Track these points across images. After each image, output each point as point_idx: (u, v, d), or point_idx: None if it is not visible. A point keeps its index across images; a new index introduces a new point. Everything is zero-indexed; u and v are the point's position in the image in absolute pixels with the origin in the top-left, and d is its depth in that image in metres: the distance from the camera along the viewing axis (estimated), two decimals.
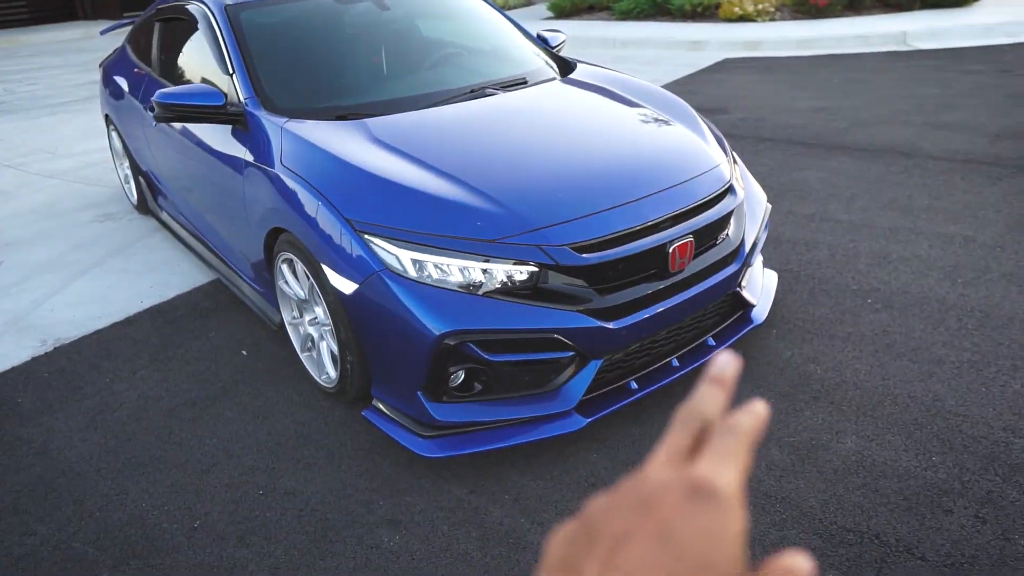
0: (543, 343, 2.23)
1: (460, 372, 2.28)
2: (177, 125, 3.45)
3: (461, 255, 2.18)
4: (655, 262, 2.38)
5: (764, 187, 3.18)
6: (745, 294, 2.81)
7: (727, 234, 2.67)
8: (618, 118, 2.92)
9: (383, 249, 2.22)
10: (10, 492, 2.43)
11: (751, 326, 2.84)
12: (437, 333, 2.14)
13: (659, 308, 2.38)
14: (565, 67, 3.59)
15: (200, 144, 3.23)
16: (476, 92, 3.05)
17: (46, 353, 3.26)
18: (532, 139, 2.65)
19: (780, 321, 3.12)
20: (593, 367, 2.35)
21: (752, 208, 2.90)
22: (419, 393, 2.29)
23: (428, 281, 2.19)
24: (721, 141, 3.00)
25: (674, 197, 2.45)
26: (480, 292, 2.19)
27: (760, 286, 3.03)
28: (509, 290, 2.21)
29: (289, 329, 2.93)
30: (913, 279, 3.39)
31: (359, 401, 2.64)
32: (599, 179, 2.43)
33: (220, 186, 3.12)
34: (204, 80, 3.29)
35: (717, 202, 2.60)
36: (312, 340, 2.81)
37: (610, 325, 2.27)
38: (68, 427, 2.74)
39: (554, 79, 3.38)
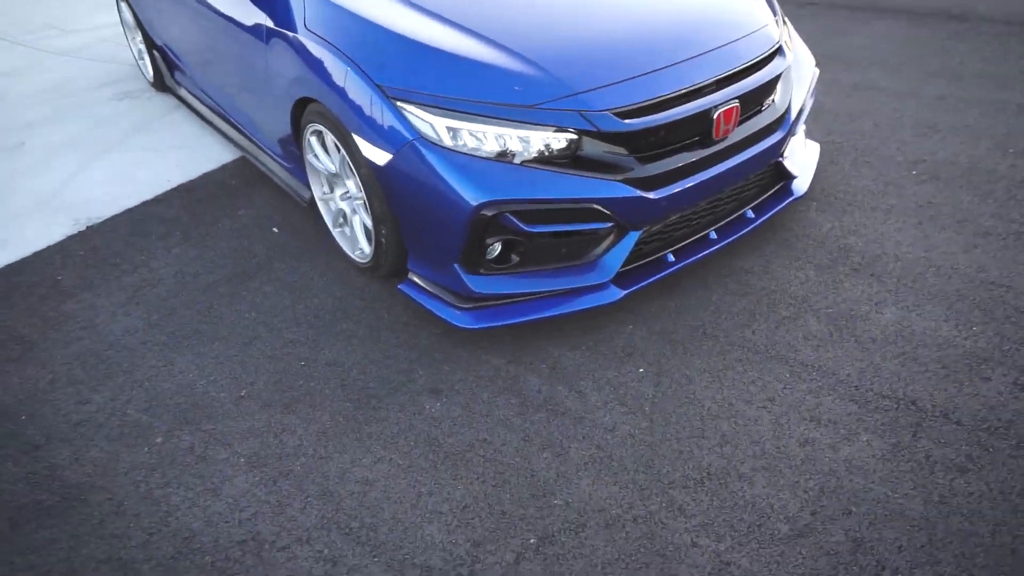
0: (582, 213, 2.19)
1: (497, 244, 2.25)
2: None
3: (498, 122, 2.10)
4: (699, 128, 2.28)
5: None
6: (787, 164, 2.72)
7: (773, 100, 2.54)
8: None
9: (417, 117, 2.14)
10: (63, 364, 2.51)
11: (792, 198, 2.76)
12: (474, 204, 2.10)
13: (701, 177, 2.30)
14: None
15: (216, 12, 3.08)
16: None
17: (80, 232, 3.27)
18: None
19: (821, 193, 3.03)
20: (631, 239, 2.31)
21: (799, 72, 2.75)
22: (456, 265, 2.28)
23: (463, 150, 2.13)
24: (770, 0, 2.81)
25: (720, 59, 2.32)
26: (517, 161, 2.13)
27: (802, 157, 2.92)
28: (547, 159, 2.14)
29: (320, 205, 2.90)
30: (962, 149, 3.25)
31: (394, 276, 2.64)
32: (641, 40, 2.30)
33: (240, 57, 3.00)
34: None
35: (764, 64, 2.46)
36: (344, 215, 2.79)
37: (651, 195, 2.21)
38: (111, 303, 2.79)
39: None
